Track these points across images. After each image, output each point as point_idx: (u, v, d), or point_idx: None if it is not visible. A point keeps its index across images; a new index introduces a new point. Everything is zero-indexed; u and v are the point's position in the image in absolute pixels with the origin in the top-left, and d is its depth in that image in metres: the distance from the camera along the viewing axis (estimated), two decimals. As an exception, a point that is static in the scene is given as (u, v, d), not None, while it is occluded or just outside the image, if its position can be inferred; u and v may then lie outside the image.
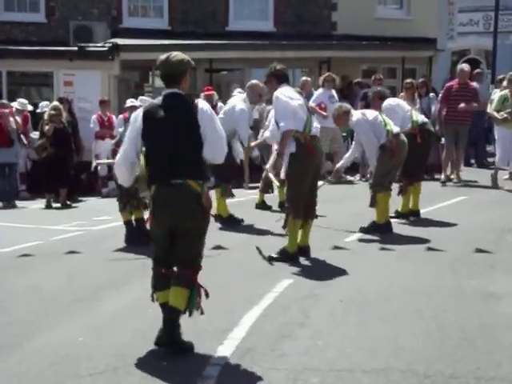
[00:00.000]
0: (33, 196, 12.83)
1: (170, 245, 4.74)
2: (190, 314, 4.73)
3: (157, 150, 4.68)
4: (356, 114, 8.44)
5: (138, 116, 4.80)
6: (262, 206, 10.02)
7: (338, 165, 9.07)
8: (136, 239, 8.01)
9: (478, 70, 14.98)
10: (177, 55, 4.79)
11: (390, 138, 8.20)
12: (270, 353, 4.64)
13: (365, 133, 8.31)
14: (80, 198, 12.55)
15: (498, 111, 11.83)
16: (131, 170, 4.86)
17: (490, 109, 12.15)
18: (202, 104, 4.79)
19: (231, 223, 8.83)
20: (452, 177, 12.65)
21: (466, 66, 12.78)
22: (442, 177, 12.57)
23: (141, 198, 7.01)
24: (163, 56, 4.81)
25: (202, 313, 4.76)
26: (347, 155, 8.93)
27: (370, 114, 8.46)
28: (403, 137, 8.43)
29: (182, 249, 4.70)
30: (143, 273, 6.81)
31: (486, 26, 25.61)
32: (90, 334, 5.10)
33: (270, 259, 7.06)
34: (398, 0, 19.70)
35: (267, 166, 9.21)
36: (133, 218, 8.30)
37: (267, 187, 9.91)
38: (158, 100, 4.76)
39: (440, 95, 12.85)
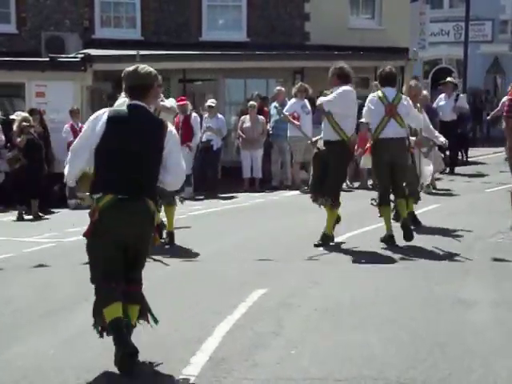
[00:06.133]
0: (4, 208, 12.66)
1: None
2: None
3: (116, 159, 4.47)
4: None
5: (99, 120, 4.56)
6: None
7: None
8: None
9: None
10: (145, 67, 4.70)
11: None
12: (243, 363, 4.62)
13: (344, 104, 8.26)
14: (52, 210, 12.43)
15: None
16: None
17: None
18: (170, 127, 4.71)
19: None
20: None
21: None
22: None
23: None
24: (130, 68, 4.70)
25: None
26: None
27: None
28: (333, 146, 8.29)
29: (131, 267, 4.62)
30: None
31: (456, 36, 25.94)
32: (61, 347, 5.04)
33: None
34: (371, 10, 19.86)
35: None
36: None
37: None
38: (123, 109, 4.64)
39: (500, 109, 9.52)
